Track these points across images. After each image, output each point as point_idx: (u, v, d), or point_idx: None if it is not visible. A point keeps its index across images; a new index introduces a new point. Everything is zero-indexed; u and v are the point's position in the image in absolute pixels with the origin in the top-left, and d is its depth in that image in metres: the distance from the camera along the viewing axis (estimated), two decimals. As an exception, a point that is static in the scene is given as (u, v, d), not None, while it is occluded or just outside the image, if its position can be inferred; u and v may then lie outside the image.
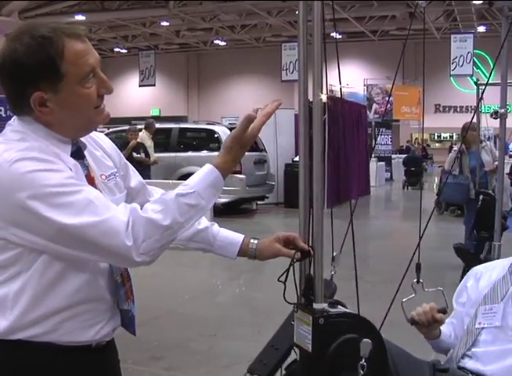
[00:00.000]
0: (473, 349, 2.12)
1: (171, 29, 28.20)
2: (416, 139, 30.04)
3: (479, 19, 25.24)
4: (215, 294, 6.61)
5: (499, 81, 4.64)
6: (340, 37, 26.01)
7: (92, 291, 1.47)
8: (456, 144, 13.99)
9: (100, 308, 1.50)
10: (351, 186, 13.67)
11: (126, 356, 2.15)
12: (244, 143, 1.47)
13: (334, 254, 1.74)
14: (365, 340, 1.44)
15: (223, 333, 4.90)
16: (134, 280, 1.61)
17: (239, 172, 11.33)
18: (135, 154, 10.31)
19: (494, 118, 4.53)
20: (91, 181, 1.50)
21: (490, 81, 3.25)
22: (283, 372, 1.73)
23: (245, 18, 26.12)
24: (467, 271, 2.51)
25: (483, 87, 6.93)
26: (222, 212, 10.38)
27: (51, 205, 1.31)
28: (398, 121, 27.30)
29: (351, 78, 24.72)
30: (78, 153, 1.50)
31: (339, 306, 1.52)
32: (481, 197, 6.55)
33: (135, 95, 32.48)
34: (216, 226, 1.76)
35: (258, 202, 13.29)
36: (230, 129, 12.51)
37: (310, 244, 1.56)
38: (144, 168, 10.52)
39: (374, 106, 25.46)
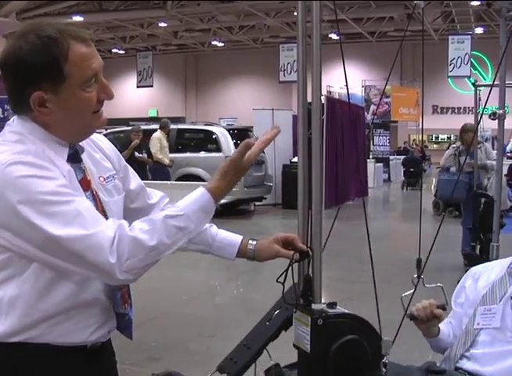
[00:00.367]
0: (471, 350, 2.11)
1: (168, 30, 28.23)
2: (413, 140, 30.06)
3: (477, 21, 25.33)
4: (213, 295, 6.61)
5: (498, 82, 4.65)
6: (338, 38, 26.02)
7: (85, 296, 1.46)
8: (454, 144, 14.00)
9: (94, 311, 1.50)
10: (350, 187, 13.66)
11: (124, 357, 2.14)
12: (241, 169, 1.47)
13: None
14: (385, 338, 1.45)
15: (221, 334, 4.89)
16: (132, 280, 1.60)
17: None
18: (136, 154, 10.34)
19: (492, 119, 4.54)
20: (86, 185, 1.49)
21: (487, 82, 3.25)
22: None
23: (243, 19, 26.16)
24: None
25: (481, 88, 6.97)
26: (220, 213, 10.31)
27: (41, 213, 1.30)
28: (396, 122, 27.36)
29: (349, 79, 24.62)
30: (75, 157, 1.50)
31: (337, 307, 1.52)
32: (482, 200, 6.56)
33: (132, 96, 32.47)
34: (215, 227, 1.75)
35: (256, 203, 13.26)
36: (228, 130, 12.52)
37: (309, 245, 1.56)
38: (161, 171, 10.75)
39: (372, 107, 25.51)
